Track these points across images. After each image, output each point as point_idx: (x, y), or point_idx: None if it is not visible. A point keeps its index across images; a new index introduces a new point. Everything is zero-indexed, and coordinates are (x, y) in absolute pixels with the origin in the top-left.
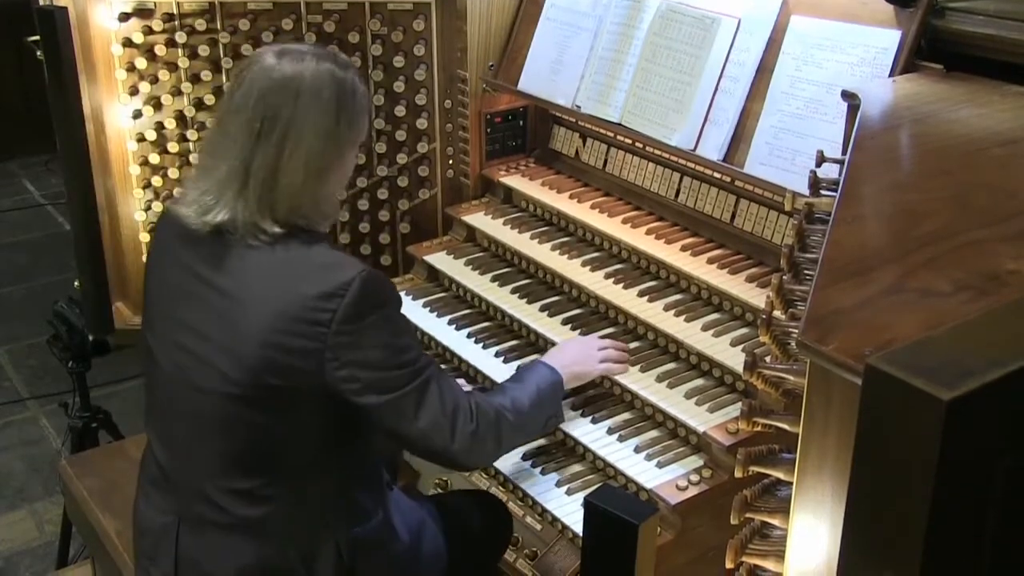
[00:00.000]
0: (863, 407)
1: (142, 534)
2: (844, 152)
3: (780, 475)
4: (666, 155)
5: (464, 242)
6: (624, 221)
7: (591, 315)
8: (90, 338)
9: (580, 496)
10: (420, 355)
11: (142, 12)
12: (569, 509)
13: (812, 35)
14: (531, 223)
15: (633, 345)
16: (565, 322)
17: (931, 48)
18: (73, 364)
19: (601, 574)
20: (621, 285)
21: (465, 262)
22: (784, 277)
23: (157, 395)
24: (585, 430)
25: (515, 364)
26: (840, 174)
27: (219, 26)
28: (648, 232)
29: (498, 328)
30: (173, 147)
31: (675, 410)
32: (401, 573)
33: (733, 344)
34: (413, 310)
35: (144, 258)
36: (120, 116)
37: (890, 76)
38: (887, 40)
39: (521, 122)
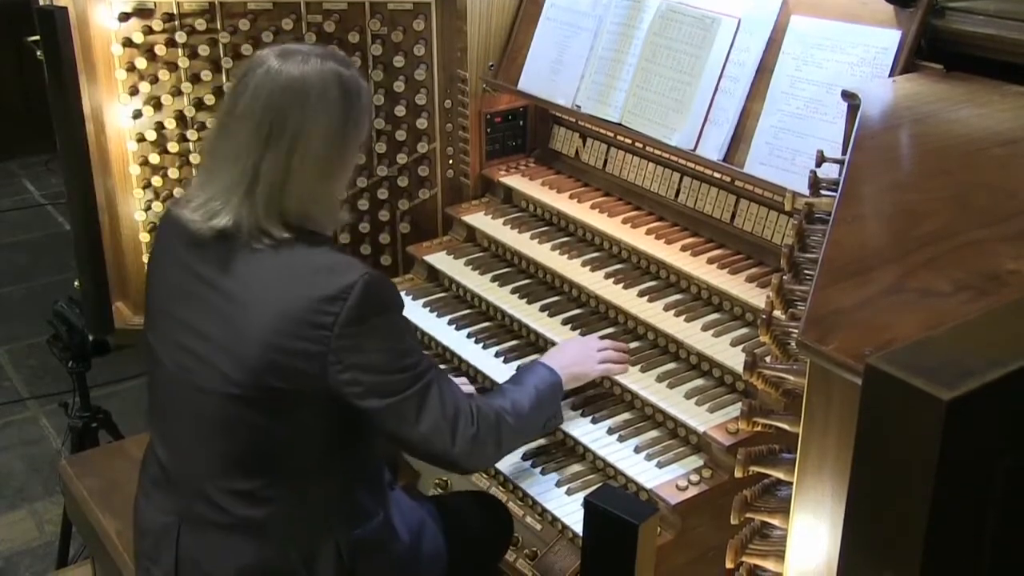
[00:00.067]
0: (863, 407)
1: (143, 534)
2: (844, 152)
3: (780, 475)
4: (666, 155)
5: (464, 242)
6: (624, 221)
7: (591, 315)
8: (90, 338)
9: (580, 496)
10: (422, 359)
11: (142, 12)
12: (569, 509)
13: (812, 35)
14: (531, 223)
15: (633, 345)
16: (565, 322)
17: (931, 48)
18: (73, 364)
19: (601, 574)
20: (621, 285)
21: (465, 262)
22: (784, 277)
23: (159, 395)
24: (585, 430)
25: (515, 364)
26: (840, 174)
27: (219, 26)
28: (648, 232)
29: (498, 328)
30: (173, 147)
31: (675, 410)
32: (401, 574)
33: (733, 344)
34: (413, 310)
35: (144, 258)
36: (120, 116)
37: (890, 76)
38: (887, 40)
39: (521, 122)
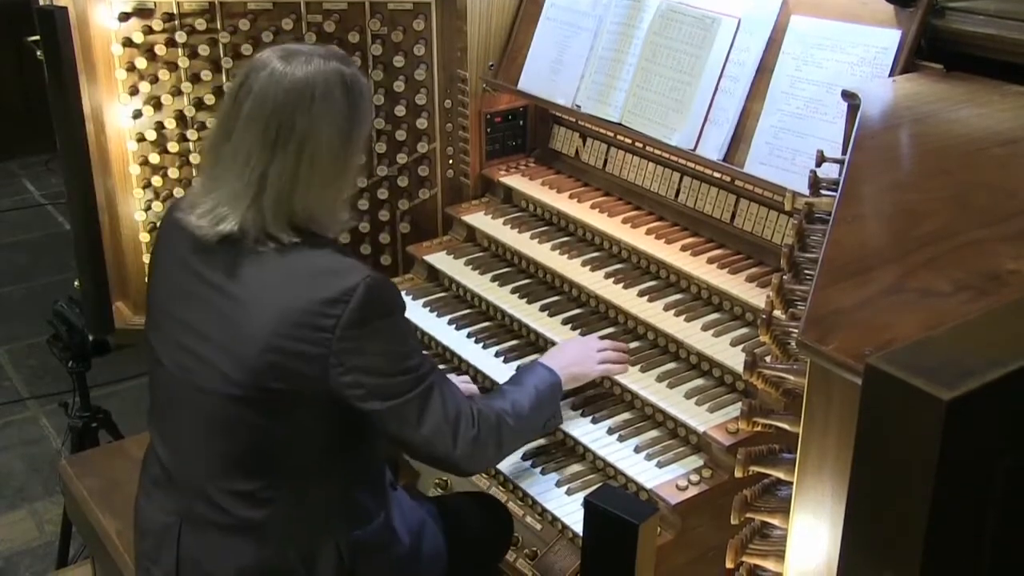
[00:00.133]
0: (863, 407)
1: (143, 534)
2: (844, 152)
3: (780, 475)
4: (666, 155)
5: (464, 242)
6: (624, 221)
7: (591, 315)
8: (90, 338)
9: (580, 496)
10: (423, 361)
11: (142, 12)
12: (569, 509)
13: (812, 35)
14: (531, 223)
15: (633, 345)
16: (565, 322)
17: (931, 48)
18: (73, 364)
19: (601, 574)
20: (621, 285)
21: (465, 262)
22: (784, 277)
23: (160, 395)
24: (585, 430)
25: (515, 364)
26: (840, 174)
27: (219, 26)
28: (648, 232)
29: (498, 328)
30: (173, 147)
31: (675, 410)
32: (401, 574)
33: (733, 344)
34: (413, 310)
35: (144, 258)
36: (120, 116)
37: (890, 76)
38: (887, 40)
39: (521, 122)
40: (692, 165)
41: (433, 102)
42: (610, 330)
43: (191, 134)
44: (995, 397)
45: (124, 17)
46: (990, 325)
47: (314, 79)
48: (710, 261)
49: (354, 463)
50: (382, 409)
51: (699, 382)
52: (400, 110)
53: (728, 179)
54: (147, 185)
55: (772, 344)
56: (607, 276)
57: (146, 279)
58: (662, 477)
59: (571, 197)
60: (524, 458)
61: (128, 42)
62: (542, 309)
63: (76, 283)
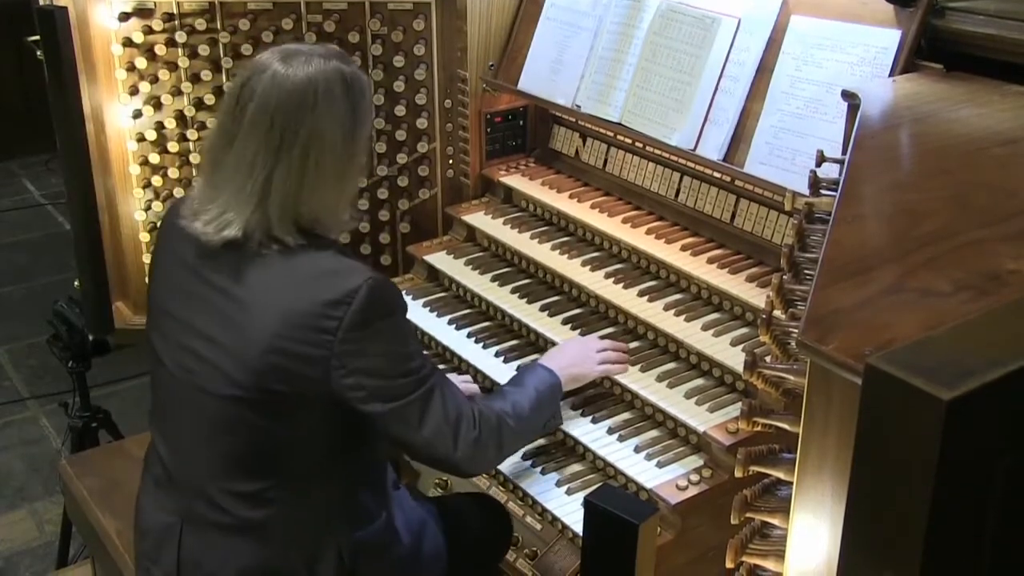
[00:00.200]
0: (863, 407)
1: (144, 534)
2: (844, 152)
3: (780, 475)
4: (666, 155)
5: (464, 242)
6: (624, 221)
7: (591, 315)
8: (90, 338)
9: (580, 496)
10: (425, 363)
11: (142, 12)
12: (569, 509)
13: (812, 35)
14: (531, 223)
15: (633, 345)
16: (565, 322)
17: (931, 48)
18: (73, 364)
19: (601, 574)
20: (621, 285)
21: (465, 262)
22: (784, 277)
23: (161, 395)
24: (585, 430)
25: (515, 364)
26: (840, 174)
27: (219, 26)
28: (648, 232)
29: (498, 328)
30: (173, 147)
31: (675, 410)
32: (402, 575)
33: (733, 344)
34: (413, 310)
35: (144, 258)
36: (120, 116)
37: (890, 76)
38: (887, 40)
39: (521, 122)
40: (692, 165)
41: (433, 102)
42: (610, 330)
43: (191, 134)
44: (995, 397)
45: (124, 17)
46: (990, 325)
47: (315, 79)
48: (710, 261)
49: (355, 464)
50: (383, 411)
51: (699, 382)
52: (400, 110)
53: (728, 179)
54: (147, 185)
55: (772, 344)
56: (607, 276)
57: (146, 279)
58: (662, 477)
59: (571, 197)
60: (524, 458)
61: (128, 42)
62: (542, 309)
63: (76, 283)
